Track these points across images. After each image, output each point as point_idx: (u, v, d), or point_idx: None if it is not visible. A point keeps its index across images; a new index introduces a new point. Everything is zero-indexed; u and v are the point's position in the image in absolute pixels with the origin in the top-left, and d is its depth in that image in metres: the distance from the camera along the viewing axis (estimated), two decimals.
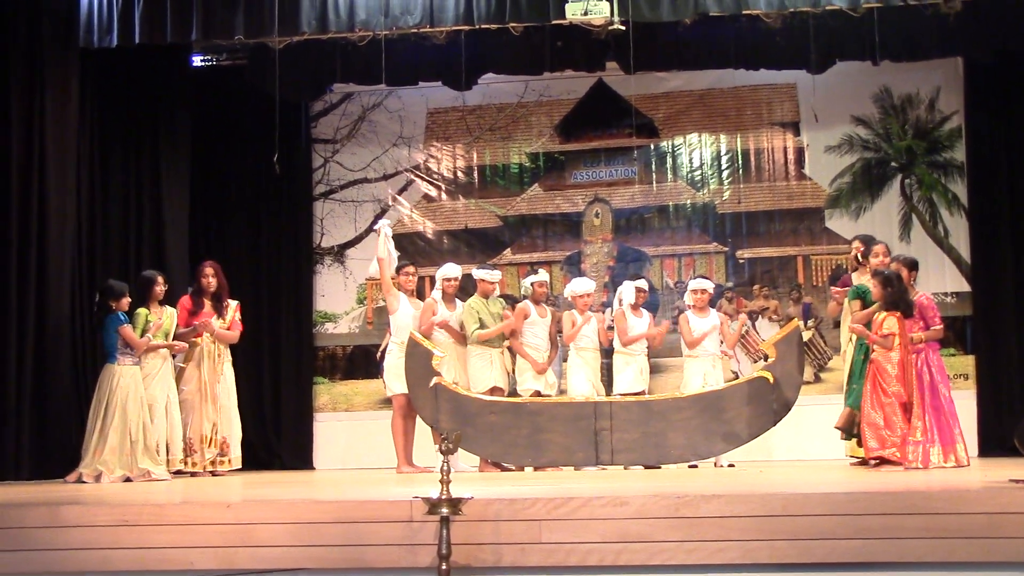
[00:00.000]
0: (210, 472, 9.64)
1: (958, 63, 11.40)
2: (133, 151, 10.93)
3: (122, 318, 9.07)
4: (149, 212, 10.93)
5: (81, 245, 10.08)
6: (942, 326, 8.32)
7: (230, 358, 9.98)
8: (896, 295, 8.16)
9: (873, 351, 8.27)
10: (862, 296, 8.68)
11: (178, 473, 9.40)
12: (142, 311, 9.30)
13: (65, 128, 9.75)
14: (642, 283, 10.39)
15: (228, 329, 9.90)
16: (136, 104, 10.93)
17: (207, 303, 9.82)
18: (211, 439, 9.70)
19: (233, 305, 10.00)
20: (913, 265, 8.59)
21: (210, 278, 9.85)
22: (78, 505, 5.87)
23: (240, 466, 9.92)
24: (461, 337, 9.83)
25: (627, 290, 10.27)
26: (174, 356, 9.70)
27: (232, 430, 9.87)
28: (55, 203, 9.60)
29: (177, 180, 11.24)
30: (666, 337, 10.56)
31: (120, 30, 9.72)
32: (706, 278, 10.55)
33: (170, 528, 5.53)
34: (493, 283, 10.00)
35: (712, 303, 10.40)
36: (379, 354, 10.25)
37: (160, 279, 9.62)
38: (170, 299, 10.01)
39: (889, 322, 8.15)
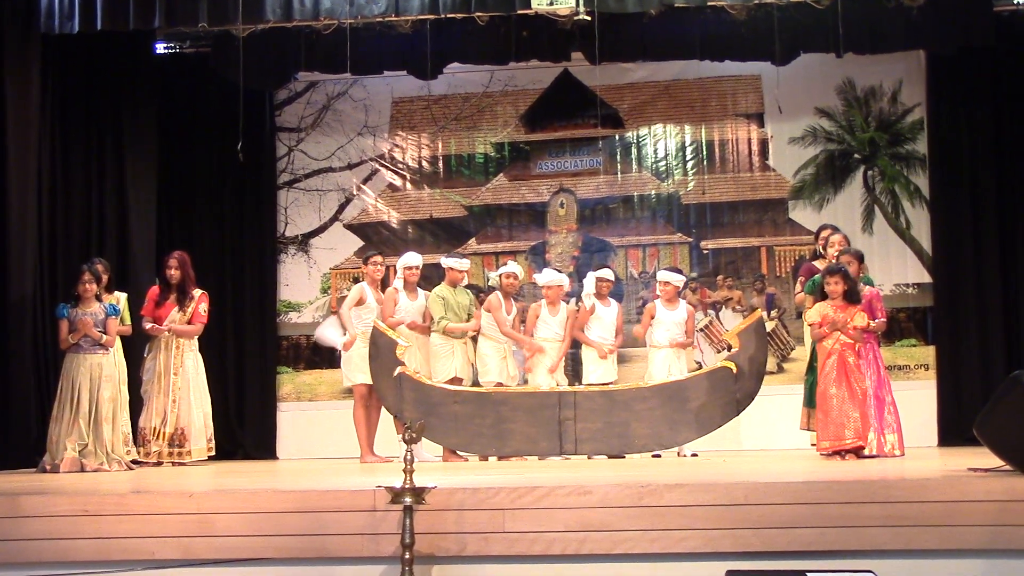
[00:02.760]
0: (157, 463, 9.40)
1: (920, 56, 11.48)
2: (96, 138, 10.84)
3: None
4: (112, 200, 10.84)
5: (42, 233, 9.97)
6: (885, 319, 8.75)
7: (194, 348, 9.81)
8: (854, 285, 8.33)
9: (838, 344, 8.26)
10: (821, 288, 8.69)
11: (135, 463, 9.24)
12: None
13: (26, 115, 9.63)
14: (605, 272, 10.32)
15: (190, 321, 9.70)
16: (99, 91, 10.85)
17: (171, 295, 9.70)
18: (159, 431, 9.50)
19: (197, 296, 9.79)
20: (862, 258, 8.87)
21: (173, 270, 9.72)
22: (37, 495, 5.81)
23: (203, 457, 9.71)
24: (424, 328, 9.81)
25: (588, 281, 10.27)
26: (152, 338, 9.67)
27: (192, 421, 9.62)
28: (16, 191, 9.48)
29: (142, 167, 11.15)
30: (631, 328, 10.61)
31: (82, 16, 9.60)
32: (675, 270, 10.52)
33: (131, 518, 5.48)
34: (462, 272, 9.97)
35: (679, 295, 10.38)
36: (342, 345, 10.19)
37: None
38: (136, 287, 9.94)
39: (861, 316, 8.24)
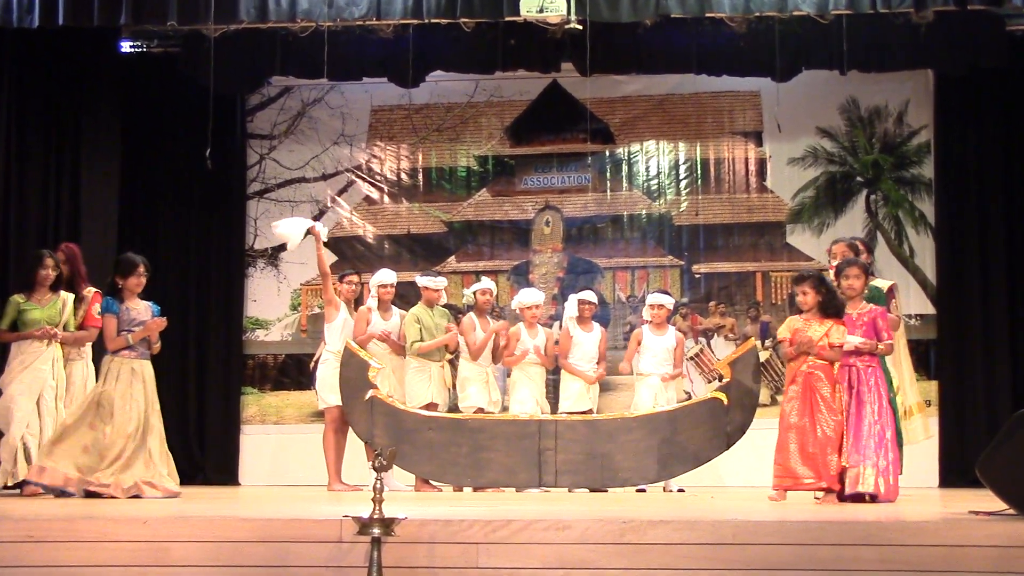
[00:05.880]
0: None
1: (929, 76, 11.54)
2: (54, 139, 10.80)
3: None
4: (68, 204, 10.77)
5: None
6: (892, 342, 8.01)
7: (84, 356, 8.95)
8: (831, 296, 7.64)
9: (806, 366, 7.64)
10: None
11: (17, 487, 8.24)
12: (13, 298, 8.55)
13: None
14: (587, 295, 10.29)
15: (82, 325, 8.75)
16: (59, 90, 10.81)
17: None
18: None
19: (91, 295, 8.83)
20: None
21: (60, 264, 8.72)
22: None
23: None
24: (399, 348, 9.80)
25: (570, 303, 10.27)
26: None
27: None
28: None
29: (102, 171, 11.11)
30: (617, 354, 10.60)
31: (42, 10, 9.54)
32: (665, 292, 10.52)
33: (80, 545, 5.43)
34: (438, 291, 9.97)
35: (668, 319, 10.38)
36: (312, 364, 10.20)
37: (47, 260, 8.59)
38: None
39: (838, 332, 7.56)
